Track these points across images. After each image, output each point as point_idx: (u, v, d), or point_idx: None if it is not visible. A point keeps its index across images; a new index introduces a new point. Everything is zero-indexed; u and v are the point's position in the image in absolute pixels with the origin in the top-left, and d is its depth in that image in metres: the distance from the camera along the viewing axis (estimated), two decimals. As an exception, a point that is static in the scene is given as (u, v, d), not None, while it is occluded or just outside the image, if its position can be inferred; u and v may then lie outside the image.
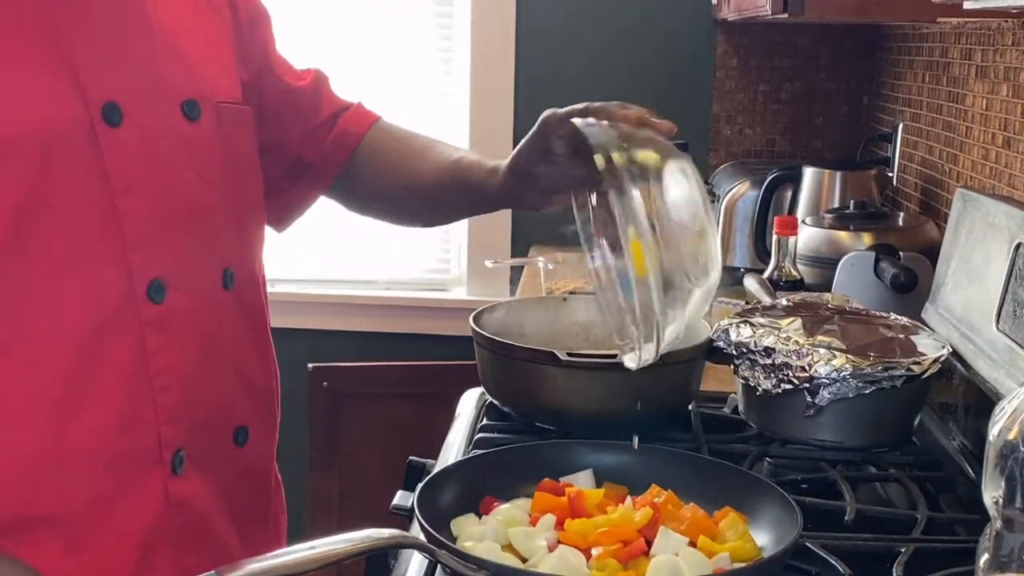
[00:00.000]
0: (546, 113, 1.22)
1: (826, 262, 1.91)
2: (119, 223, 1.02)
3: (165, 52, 1.10)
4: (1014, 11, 1.38)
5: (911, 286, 1.75)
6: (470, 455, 1.29)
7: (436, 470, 1.21)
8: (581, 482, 1.16)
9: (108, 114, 1.02)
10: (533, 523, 1.07)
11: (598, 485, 1.16)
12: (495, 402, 1.47)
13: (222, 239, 1.14)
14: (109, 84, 1.03)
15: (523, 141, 1.25)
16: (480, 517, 1.10)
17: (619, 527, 1.04)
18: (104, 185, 1.01)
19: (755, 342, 1.36)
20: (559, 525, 1.06)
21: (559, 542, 1.03)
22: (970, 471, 1.31)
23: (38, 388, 0.99)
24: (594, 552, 1.01)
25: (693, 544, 1.03)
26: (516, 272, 2.76)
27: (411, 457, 1.43)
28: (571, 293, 1.66)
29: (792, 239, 1.87)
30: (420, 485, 1.09)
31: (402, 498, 1.31)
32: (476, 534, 1.05)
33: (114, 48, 1.05)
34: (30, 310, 0.99)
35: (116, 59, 1.04)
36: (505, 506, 1.11)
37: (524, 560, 1.02)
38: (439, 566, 1.00)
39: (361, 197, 1.42)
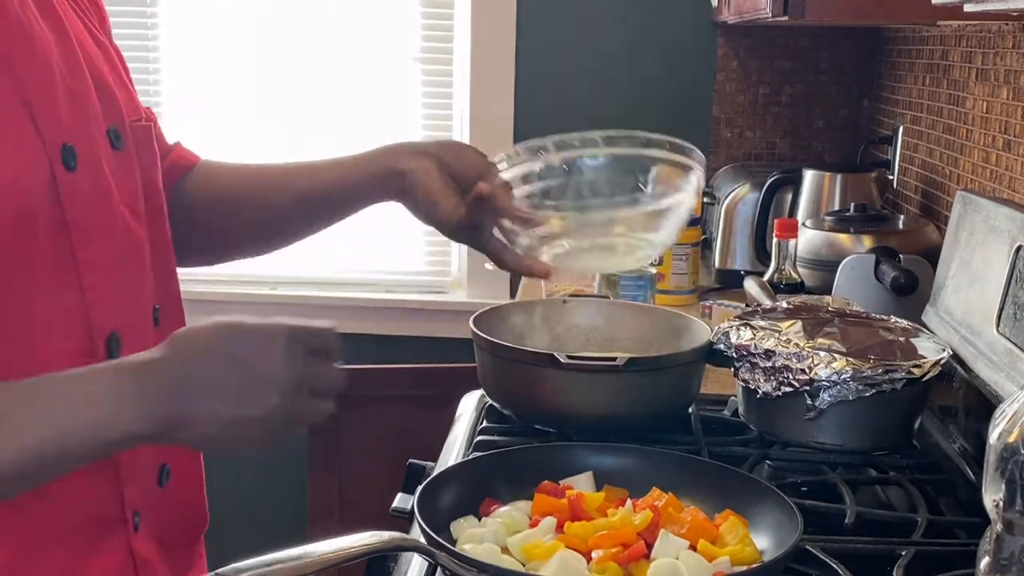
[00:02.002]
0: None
1: (826, 265, 1.91)
2: (79, 277, 0.95)
3: (86, 78, 1.01)
4: (1014, 14, 1.38)
5: (911, 289, 1.75)
6: (470, 457, 1.29)
7: (436, 472, 1.21)
8: (581, 484, 1.16)
9: (65, 157, 0.94)
10: (533, 525, 1.07)
11: (598, 488, 1.16)
12: (495, 404, 1.47)
13: (149, 276, 1.06)
14: (62, 124, 0.95)
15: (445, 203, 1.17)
16: (480, 519, 1.10)
17: (619, 530, 1.04)
18: (65, 237, 0.94)
19: (755, 345, 1.36)
20: (559, 528, 1.06)
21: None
22: (970, 474, 1.31)
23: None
24: (594, 555, 1.01)
25: (693, 547, 1.02)
26: (516, 274, 2.76)
27: (411, 460, 1.43)
28: (571, 296, 1.66)
29: (792, 242, 1.87)
30: (420, 487, 1.09)
31: (402, 500, 1.31)
32: (476, 536, 1.05)
33: (57, 84, 0.96)
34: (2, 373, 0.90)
35: (60, 96, 0.96)
36: (505, 508, 1.11)
37: (524, 564, 1.02)
38: (439, 569, 1.00)
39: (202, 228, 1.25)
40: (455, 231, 1.20)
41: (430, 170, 1.18)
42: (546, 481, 1.14)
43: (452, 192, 1.18)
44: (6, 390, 0.85)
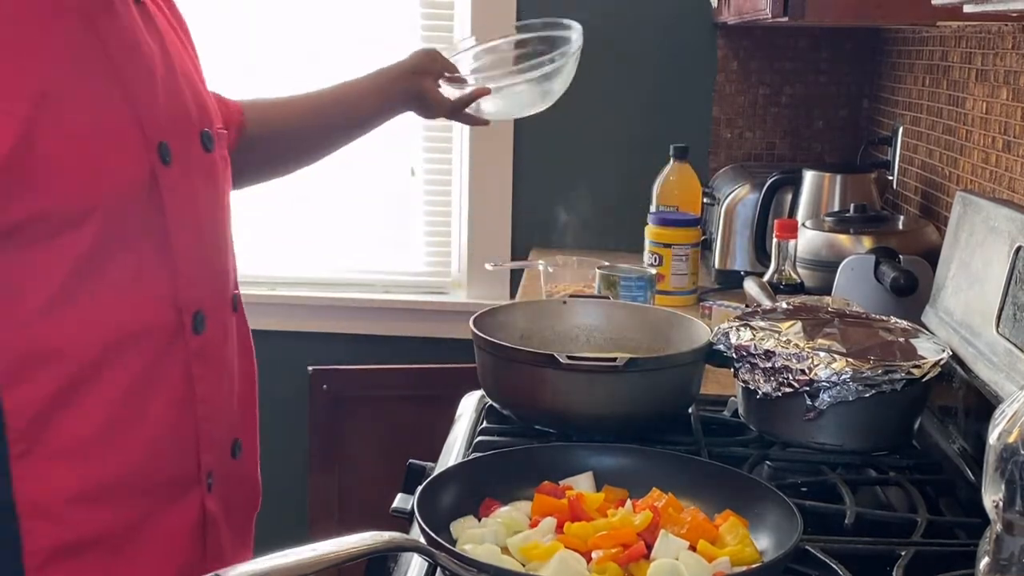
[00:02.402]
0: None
1: (826, 265, 1.91)
2: (173, 260, 1.07)
3: (183, 86, 1.13)
4: (1014, 15, 1.39)
5: (911, 289, 1.75)
6: (470, 457, 1.29)
7: (436, 472, 1.21)
8: (581, 485, 1.16)
9: (162, 153, 1.06)
10: (533, 525, 1.07)
11: (598, 488, 1.16)
12: (495, 405, 1.47)
13: (231, 265, 1.19)
14: (159, 122, 1.06)
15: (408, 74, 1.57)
16: (480, 519, 1.10)
17: (619, 530, 1.04)
18: (162, 224, 1.06)
19: (755, 345, 1.36)
20: (559, 528, 1.06)
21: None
22: (970, 474, 1.31)
23: (100, 419, 1.04)
24: (594, 555, 1.01)
25: (693, 548, 1.02)
26: (516, 275, 2.76)
27: (411, 460, 1.43)
28: (571, 296, 1.66)
29: (792, 242, 1.87)
30: (420, 487, 1.09)
31: (402, 501, 1.31)
32: (476, 536, 1.05)
33: (156, 85, 1.08)
34: (102, 340, 1.03)
35: (158, 96, 1.08)
36: (505, 508, 1.11)
37: (523, 564, 1.02)
38: (439, 569, 1.00)
39: (262, 158, 1.47)
40: (446, 114, 1.62)
41: (431, 85, 1.58)
42: (546, 481, 1.15)
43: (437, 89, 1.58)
44: None
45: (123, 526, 1.07)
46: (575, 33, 1.69)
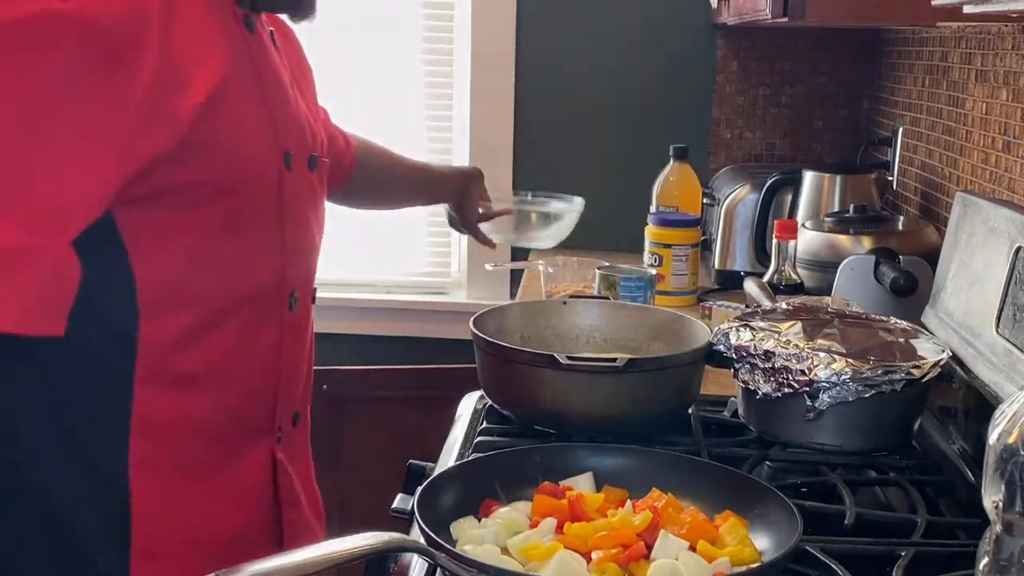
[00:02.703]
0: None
1: (826, 266, 1.91)
2: (282, 247, 1.27)
3: (301, 109, 1.35)
4: (1014, 15, 1.39)
5: (911, 290, 1.76)
6: (470, 458, 1.29)
7: (436, 473, 1.21)
8: (581, 485, 1.16)
9: (287, 160, 1.27)
10: (533, 526, 1.07)
11: (598, 488, 1.17)
12: (495, 405, 1.47)
13: (315, 266, 1.41)
14: (286, 134, 1.27)
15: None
16: (479, 520, 1.10)
17: (619, 531, 1.04)
18: (279, 218, 1.26)
19: (755, 346, 1.36)
20: (559, 528, 1.06)
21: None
22: (970, 475, 1.31)
23: (211, 363, 1.23)
24: (594, 556, 1.01)
25: (693, 548, 1.03)
26: (516, 275, 2.77)
27: (411, 460, 1.43)
28: (571, 297, 1.66)
29: (792, 243, 1.87)
30: (420, 488, 1.09)
31: (402, 501, 1.32)
32: (476, 537, 1.05)
33: (286, 103, 1.29)
34: (221, 295, 1.23)
35: (287, 112, 1.29)
36: (505, 509, 1.11)
37: (523, 564, 1.02)
38: (439, 569, 1.00)
39: (359, 195, 1.81)
40: (467, 227, 1.93)
41: (475, 192, 1.91)
42: (546, 482, 1.15)
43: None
44: None
45: (212, 457, 1.25)
46: (576, 206, 2.09)
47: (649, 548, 1.02)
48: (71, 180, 1.06)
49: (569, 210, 2.06)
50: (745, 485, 1.15)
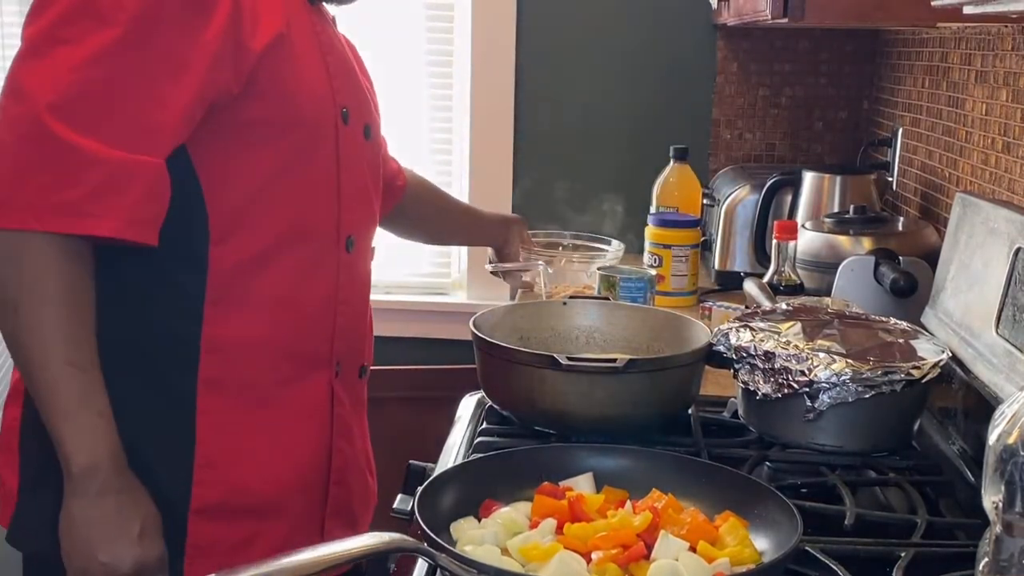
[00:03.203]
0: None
1: (826, 266, 1.92)
2: (339, 192, 1.40)
3: (360, 81, 1.49)
4: (1014, 16, 1.39)
5: (911, 291, 1.76)
6: (470, 458, 1.29)
7: (436, 473, 1.21)
8: (581, 486, 1.16)
9: (344, 115, 1.40)
10: (533, 526, 1.07)
11: (598, 489, 1.17)
12: (495, 406, 1.47)
13: (375, 221, 1.53)
14: (344, 94, 1.41)
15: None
16: (479, 520, 1.10)
17: (619, 531, 1.04)
18: (335, 164, 1.39)
19: (755, 346, 1.36)
20: (559, 529, 1.06)
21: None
22: (970, 475, 1.32)
23: (273, 289, 1.35)
24: (594, 556, 1.01)
25: (693, 549, 1.03)
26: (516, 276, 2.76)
27: (411, 461, 1.43)
28: (571, 297, 1.66)
29: (792, 243, 1.87)
30: (420, 488, 1.09)
31: (402, 502, 1.32)
32: (476, 537, 1.05)
33: (342, 70, 1.43)
34: (283, 226, 1.35)
35: (346, 79, 1.43)
36: (505, 509, 1.11)
37: (523, 565, 1.02)
38: (439, 570, 1.00)
39: (404, 223, 1.95)
40: (504, 273, 2.11)
41: (516, 236, 2.09)
42: (546, 482, 1.15)
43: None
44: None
45: (275, 380, 1.36)
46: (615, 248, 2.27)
47: (649, 548, 1.02)
48: (160, 104, 1.22)
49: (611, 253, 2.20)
50: (745, 486, 1.15)
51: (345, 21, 1.58)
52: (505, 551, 1.03)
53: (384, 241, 2.95)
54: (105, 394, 1.23)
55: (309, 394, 1.40)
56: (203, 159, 1.28)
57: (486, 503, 1.12)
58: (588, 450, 1.22)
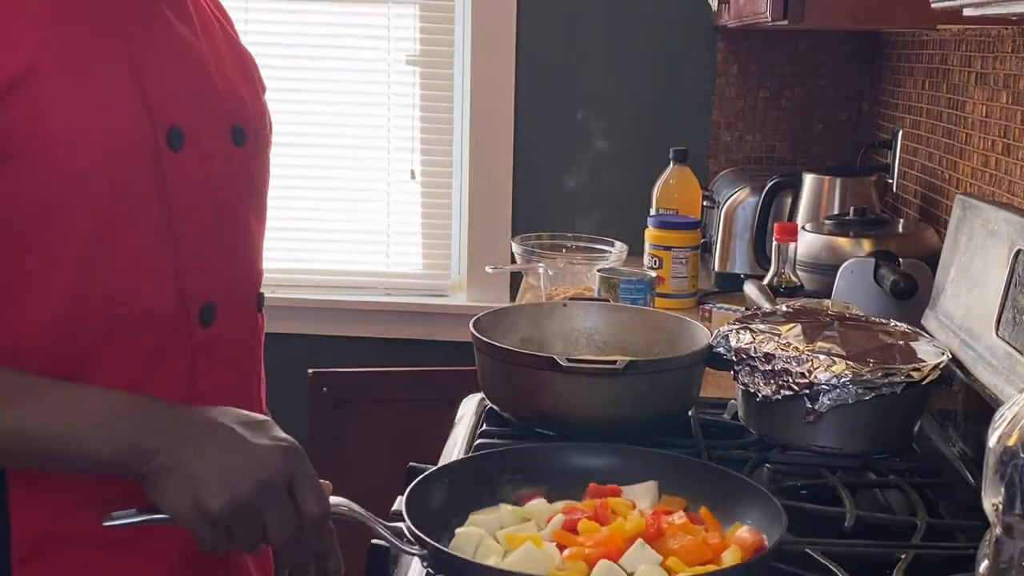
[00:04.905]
0: None
1: (826, 268, 1.92)
2: (176, 246, 1.05)
3: (216, 75, 1.13)
4: (1014, 18, 1.39)
5: (911, 292, 1.76)
6: (472, 455, 1.29)
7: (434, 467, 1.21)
8: (637, 493, 1.15)
9: (172, 138, 1.05)
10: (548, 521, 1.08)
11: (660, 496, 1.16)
12: (495, 407, 1.47)
13: (257, 263, 1.20)
14: (173, 108, 1.06)
15: None
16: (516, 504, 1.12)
17: (612, 533, 1.04)
18: (165, 208, 1.05)
19: (755, 348, 1.36)
20: (571, 527, 1.06)
21: (556, 543, 1.03)
22: (970, 477, 1.31)
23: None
24: (566, 551, 1.01)
25: (664, 566, 1.01)
26: (516, 278, 2.76)
27: (411, 463, 1.43)
28: (571, 299, 1.66)
29: (792, 245, 1.87)
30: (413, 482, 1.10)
31: (402, 503, 1.31)
32: (478, 521, 1.07)
33: (176, 73, 1.08)
34: (99, 326, 1.02)
35: (178, 84, 1.08)
36: (535, 502, 1.12)
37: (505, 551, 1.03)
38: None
39: None
40: None
41: None
42: (593, 483, 1.14)
43: None
44: (41, 385, 0.97)
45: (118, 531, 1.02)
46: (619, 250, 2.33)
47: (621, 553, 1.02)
48: None
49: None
50: (738, 487, 1.14)
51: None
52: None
53: (384, 241, 2.98)
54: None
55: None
56: None
57: (528, 492, 1.14)
58: (650, 456, 1.21)
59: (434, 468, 1.19)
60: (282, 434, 0.99)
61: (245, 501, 0.93)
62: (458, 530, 1.04)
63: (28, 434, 0.95)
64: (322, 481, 1.00)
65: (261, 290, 1.21)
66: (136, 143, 1.03)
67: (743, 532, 1.06)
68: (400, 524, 1.02)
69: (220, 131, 1.12)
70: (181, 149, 1.06)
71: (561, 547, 1.03)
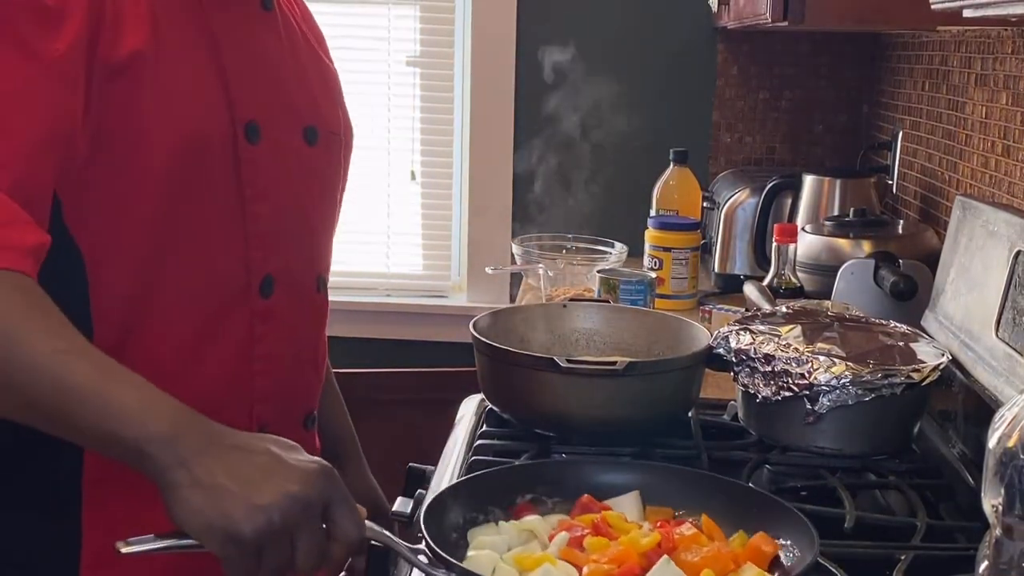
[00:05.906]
0: None
1: (826, 269, 1.92)
2: (244, 225, 1.17)
3: (294, 81, 1.26)
4: (1014, 19, 1.39)
5: (911, 294, 1.76)
6: (478, 472, 1.29)
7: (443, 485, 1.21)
8: (624, 505, 1.13)
9: (249, 132, 1.17)
10: (551, 539, 1.05)
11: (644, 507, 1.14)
12: (495, 408, 1.47)
13: (320, 250, 1.31)
14: (252, 104, 1.18)
15: None
16: (499, 524, 1.09)
17: (625, 549, 1.01)
18: (237, 192, 1.16)
19: (755, 349, 1.36)
20: (576, 543, 1.04)
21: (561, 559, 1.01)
22: (969, 479, 1.31)
23: (160, 358, 1.12)
24: (585, 569, 0.99)
25: None
26: (516, 278, 2.77)
27: (411, 463, 1.43)
28: (571, 300, 1.66)
29: (792, 246, 1.87)
30: (424, 494, 1.09)
31: (402, 504, 1.31)
32: (486, 543, 1.04)
33: (258, 71, 1.20)
34: (167, 285, 1.13)
35: (258, 81, 1.20)
36: (530, 518, 1.09)
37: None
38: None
39: None
40: None
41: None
42: (586, 496, 1.12)
43: None
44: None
45: None
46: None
47: (645, 570, 0.99)
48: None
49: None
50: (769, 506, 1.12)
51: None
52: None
53: (384, 242, 2.98)
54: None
55: None
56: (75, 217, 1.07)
57: (520, 506, 1.11)
58: (632, 467, 1.20)
59: (446, 487, 1.16)
60: (315, 457, 0.98)
61: (281, 520, 0.91)
62: (470, 553, 1.02)
63: (67, 393, 0.93)
64: (358, 506, 0.99)
65: (321, 273, 1.31)
66: (216, 135, 1.14)
67: (757, 541, 1.05)
68: (421, 546, 1.00)
69: (294, 130, 1.24)
70: (258, 142, 1.17)
71: (574, 566, 1.00)
